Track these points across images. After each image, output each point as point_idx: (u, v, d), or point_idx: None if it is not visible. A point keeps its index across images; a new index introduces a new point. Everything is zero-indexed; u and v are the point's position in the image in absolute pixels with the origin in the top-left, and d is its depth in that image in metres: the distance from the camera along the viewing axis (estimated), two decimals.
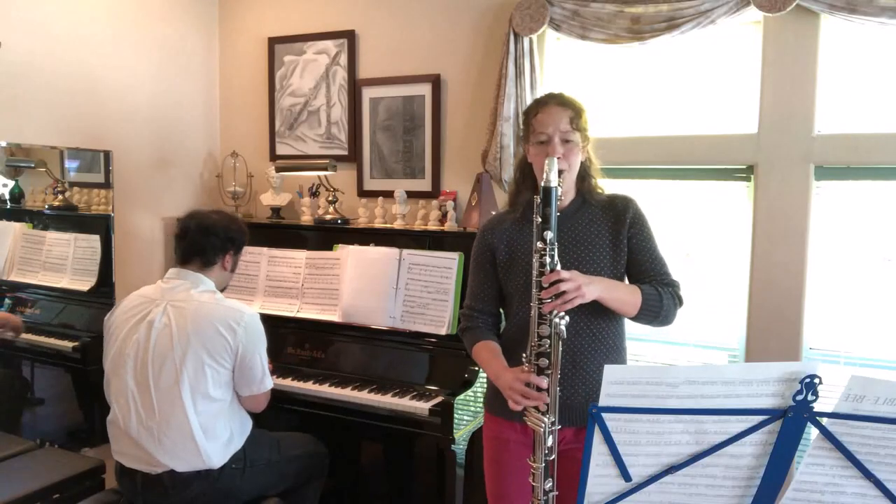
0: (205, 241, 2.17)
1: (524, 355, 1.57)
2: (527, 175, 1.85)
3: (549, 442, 1.53)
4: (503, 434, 1.82)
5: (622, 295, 1.68)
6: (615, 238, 1.77)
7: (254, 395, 2.16)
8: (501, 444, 1.83)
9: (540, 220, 1.53)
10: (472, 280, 1.91)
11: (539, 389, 1.53)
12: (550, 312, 1.51)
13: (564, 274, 1.52)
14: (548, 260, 1.52)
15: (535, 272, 1.54)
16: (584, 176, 1.82)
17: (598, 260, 1.76)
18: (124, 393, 2.07)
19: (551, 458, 1.53)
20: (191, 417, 2.02)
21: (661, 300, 1.70)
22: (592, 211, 1.80)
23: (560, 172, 1.64)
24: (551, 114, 1.73)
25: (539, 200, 1.53)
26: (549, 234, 1.52)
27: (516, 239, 1.81)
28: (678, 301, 1.75)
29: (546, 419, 1.52)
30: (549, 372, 1.53)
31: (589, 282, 1.57)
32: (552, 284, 1.51)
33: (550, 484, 1.54)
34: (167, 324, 2.05)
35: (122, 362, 2.07)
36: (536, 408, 1.54)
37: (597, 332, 1.75)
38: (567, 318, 1.54)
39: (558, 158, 1.65)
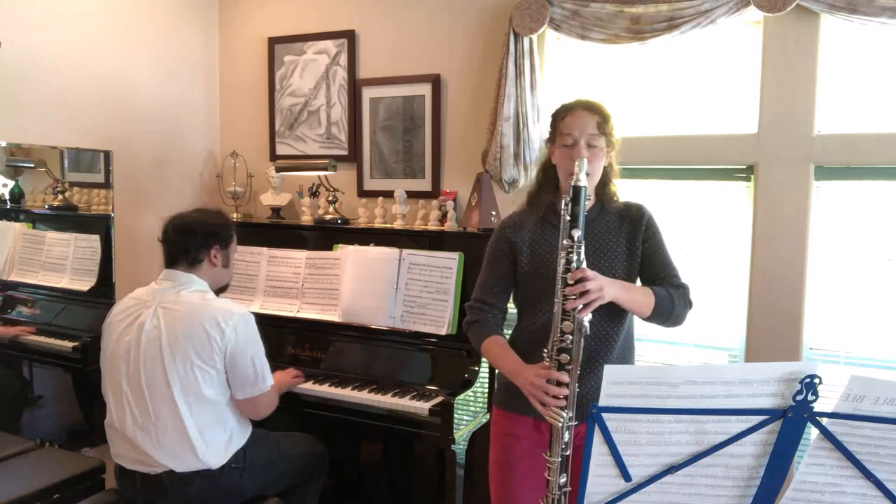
0: (185, 240, 2.15)
1: (545, 350, 1.59)
2: (550, 177, 1.87)
3: (566, 437, 1.54)
4: (515, 431, 1.83)
5: (637, 297, 1.73)
6: (631, 245, 1.81)
7: (249, 398, 2.11)
8: (513, 441, 1.83)
9: (568, 218, 1.55)
10: (486, 274, 1.91)
11: (559, 384, 1.54)
12: (574, 309, 1.54)
13: (589, 273, 1.55)
14: (574, 257, 1.55)
15: (560, 268, 1.56)
16: (604, 182, 1.84)
17: (614, 266, 1.79)
18: (119, 395, 2.07)
19: (567, 454, 1.55)
20: (185, 419, 2.01)
21: (672, 302, 1.76)
22: (610, 218, 1.84)
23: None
24: (579, 118, 1.76)
25: (568, 199, 1.56)
26: (577, 233, 1.55)
27: (539, 242, 1.84)
28: (688, 303, 1.82)
29: (565, 414, 1.54)
30: (570, 367, 1.55)
31: (609, 283, 1.61)
32: (577, 282, 1.53)
33: (565, 479, 1.55)
34: (157, 325, 2.04)
35: (116, 365, 2.07)
36: None
37: (612, 330, 1.78)
38: (590, 315, 1.56)
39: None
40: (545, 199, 1.87)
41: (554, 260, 1.67)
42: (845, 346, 2.46)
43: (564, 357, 1.55)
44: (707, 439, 1.14)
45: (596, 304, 1.56)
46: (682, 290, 1.81)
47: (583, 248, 1.57)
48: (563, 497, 1.56)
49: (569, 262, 1.56)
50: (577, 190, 1.55)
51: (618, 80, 2.77)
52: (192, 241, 2.15)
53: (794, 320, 2.45)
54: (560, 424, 1.53)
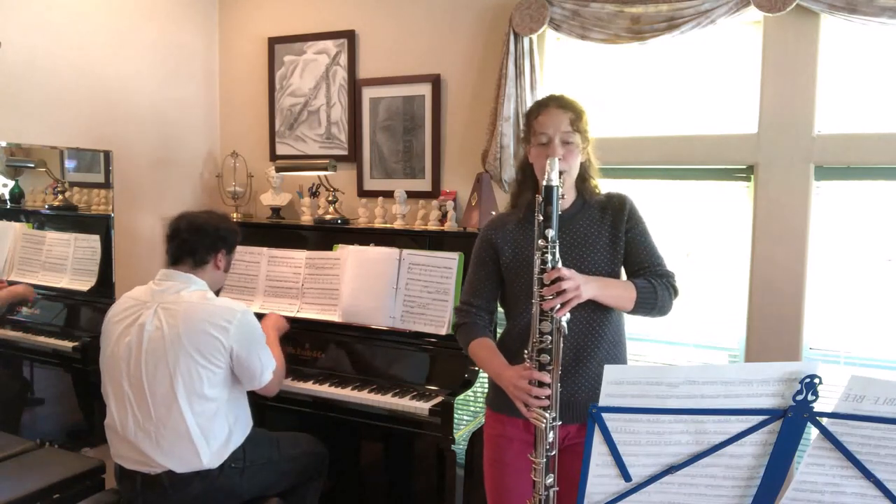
0: (196, 240, 2.15)
1: (526, 352, 1.59)
2: (528, 175, 1.87)
3: (551, 437, 1.54)
4: (506, 432, 1.83)
5: (617, 292, 1.71)
6: (613, 237, 1.80)
7: (256, 388, 2.18)
8: (504, 442, 1.83)
9: (542, 218, 1.55)
10: (472, 276, 1.92)
11: (541, 385, 1.54)
12: (551, 309, 1.53)
13: (565, 272, 1.54)
14: (549, 257, 1.54)
15: (536, 269, 1.56)
16: (583, 177, 1.84)
17: (596, 261, 1.78)
18: (120, 396, 2.07)
19: (552, 454, 1.55)
20: (188, 419, 2.01)
21: (655, 292, 1.73)
22: (592, 212, 1.83)
23: (560, 174, 1.67)
24: (552, 115, 1.75)
25: (541, 199, 1.55)
26: (551, 232, 1.54)
27: (521, 241, 1.83)
28: (673, 291, 1.78)
29: (547, 415, 1.53)
30: (551, 368, 1.55)
31: (586, 281, 1.60)
32: (553, 282, 1.52)
33: (552, 479, 1.55)
34: (158, 326, 2.04)
35: (116, 365, 2.07)
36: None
37: (597, 328, 1.77)
38: (568, 314, 1.56)
39: (560, 160, 1.68)
40: (526, 199, 1.86)
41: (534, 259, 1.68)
42: (845, 346, 2.46)
43: (545, 357, 1.55)
44: (707, 439, 1.14)
45: (573, 304, 1.55)
46: (667, 278, 1.78)
47: (557, 247, 1.56)
48: (550, 497, 1.55)
49: (544, 262, 1.55)
50: (548, 190, 1.54)
51: (618, 80, 2.77)
52: (202, 242, 2.16)
53: (794, 320, 2.45)
54: (543, 425, 1.53)
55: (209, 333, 2.02)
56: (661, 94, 2.70)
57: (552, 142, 1.73)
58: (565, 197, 1.79)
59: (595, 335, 1.77)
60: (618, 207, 1.82)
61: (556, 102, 1.78)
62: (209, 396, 2.05)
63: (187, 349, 2.01)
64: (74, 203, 2.87)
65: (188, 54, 3.38)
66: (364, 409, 2.47)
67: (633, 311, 1.75)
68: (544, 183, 1.54)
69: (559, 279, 1.53)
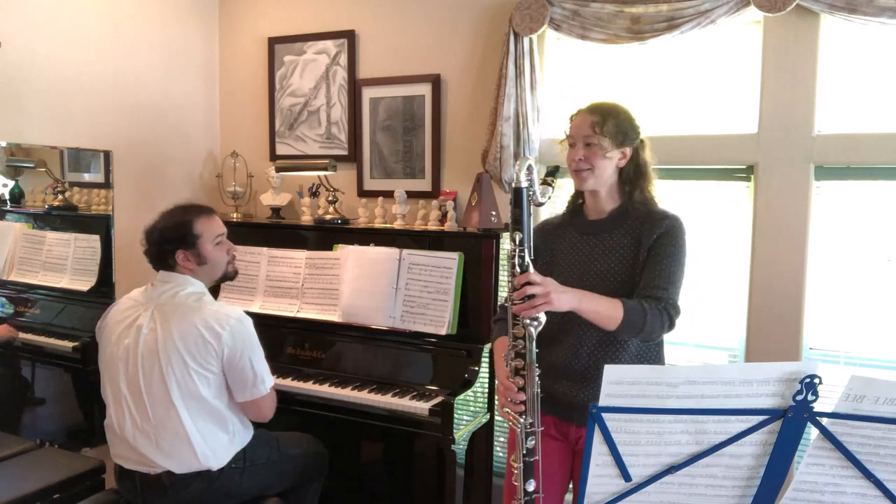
0: (152, 249, 2.14)
1: (503, 355, 1.59)
2: None
3: (530, 443, 1.52)
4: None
5: (600, 308, 1.63)
6: (635, 254, 1.76)
7: (248, 401, 2.09)
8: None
9: (511, 220, 1.53)
10: None
11: (519, 390, 1.54)
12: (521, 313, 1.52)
13: (535, 278, 1.51)
14: (517, 261, 1.52)
15: (508, 273, 1.56)
16: (625, 181, 1.82)
17: (612, 275, 1.76)
18: (118, 398, 2.07)
19: (533, 460, 1.52)
20: (185, 421, 2.00)
21: (644, 316, 1.63)
22: (629, 224, 1.79)
23: (581, 172, 1.76)
24: (579, 119, 1.81)
25: (510, 201, 1.53)
26: (519, 235, 1.52)
27: (557, 241, 1.86)
28: (666, 321, 1.67)
29: (522, 420, 1.52)
30: (525, 372, 1.53)
31: (562, 291, 1.55)
32: (522, 286, 1.51)
33: (533, 485, 1.52)
34: (153, 328, 2.03)
35: (115, 367, 2.07)
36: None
37: (620, 339, 1.75)
38: (541, 318, 1.53)
39: (579, 160, 1.75)
40: (572, 202, 1.93)
41: (567, 259, 1.75)
42: (845, 346, 2.46)
43: (519, 362, 1.53)
44: (707, 439, 1.14)
45: (541, 310, 1.51)
46: (663, 304, 1.67)
47: (526, 251, 1.52)
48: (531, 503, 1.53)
49: (513, 265, 1.52)
50: (517, 192, 1.51)
51: (618, 80, 2.76)
52: (158, 248, 2.13)
53: (794, 320, 2.45)
54: (519, 430, 1.52)
55: (202, 337, 2.00)
56: (661, 95, 2.70)
57: (576, 144, 1.78)
58: (603, 204, 1.82)
59: (616, 345, 1.75)
60: (654, 224, 1.76)
61: (586, 107, 1.83)
62: (207, 399, 2.03)
63: (180, 352, 1.99)
64: (74, 203, 2.87)
65: (188, 54, 3.38)
66: (364, 409, 2.47)
67: (617, 332, 1.66)
68: (514, 185, 1.52)
69: (528, 283, 1.50)
